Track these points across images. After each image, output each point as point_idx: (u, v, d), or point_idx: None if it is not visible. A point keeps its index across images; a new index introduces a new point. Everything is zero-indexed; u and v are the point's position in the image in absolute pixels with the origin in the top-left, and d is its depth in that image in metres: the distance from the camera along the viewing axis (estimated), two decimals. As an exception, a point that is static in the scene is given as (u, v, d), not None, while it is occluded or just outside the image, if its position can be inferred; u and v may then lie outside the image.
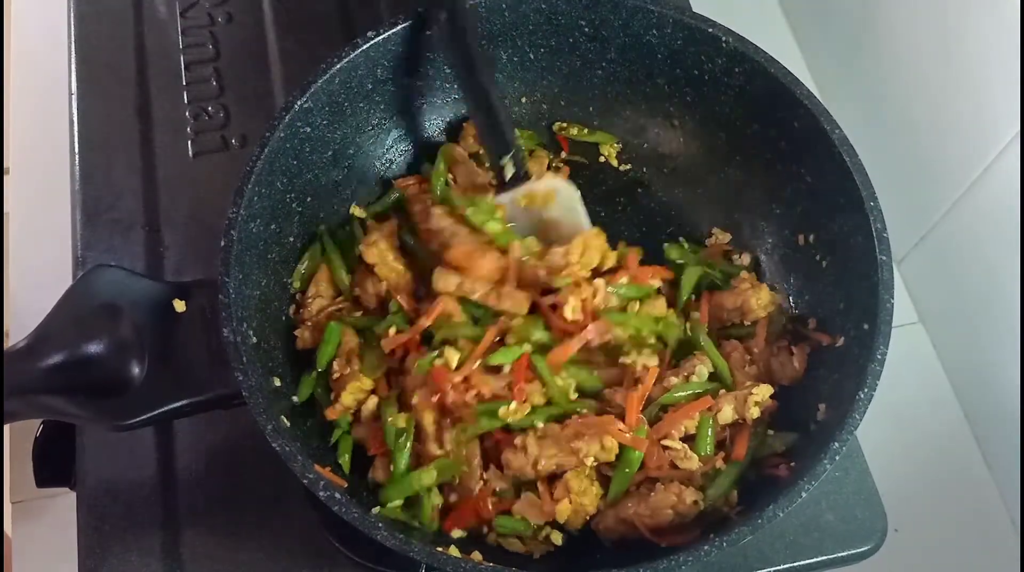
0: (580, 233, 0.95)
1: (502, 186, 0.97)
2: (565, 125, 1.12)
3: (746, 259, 1.05)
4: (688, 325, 0.99)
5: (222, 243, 0.88)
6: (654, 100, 1.08)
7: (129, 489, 1.01)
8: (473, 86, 0.96)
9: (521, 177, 0.97)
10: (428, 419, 0.90)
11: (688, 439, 0.91)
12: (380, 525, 0.80)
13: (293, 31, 1.28)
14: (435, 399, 0.90)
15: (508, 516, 0.90)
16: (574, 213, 0.99)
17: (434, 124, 1.10)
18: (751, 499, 0.89)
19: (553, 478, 0.90)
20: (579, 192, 0.99)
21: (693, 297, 1.01)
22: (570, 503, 0.89)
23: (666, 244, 1.05)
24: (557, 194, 0.98)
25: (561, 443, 0.88)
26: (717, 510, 0.90)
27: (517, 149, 0.96)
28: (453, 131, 1.11)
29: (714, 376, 0.95)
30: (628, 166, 1.12)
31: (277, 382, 0.91)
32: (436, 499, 0.91)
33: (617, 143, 1.11)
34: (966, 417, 1.17)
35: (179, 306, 0.91)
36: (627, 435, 0.88)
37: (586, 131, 1.11)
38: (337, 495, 0.80)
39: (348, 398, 0.92)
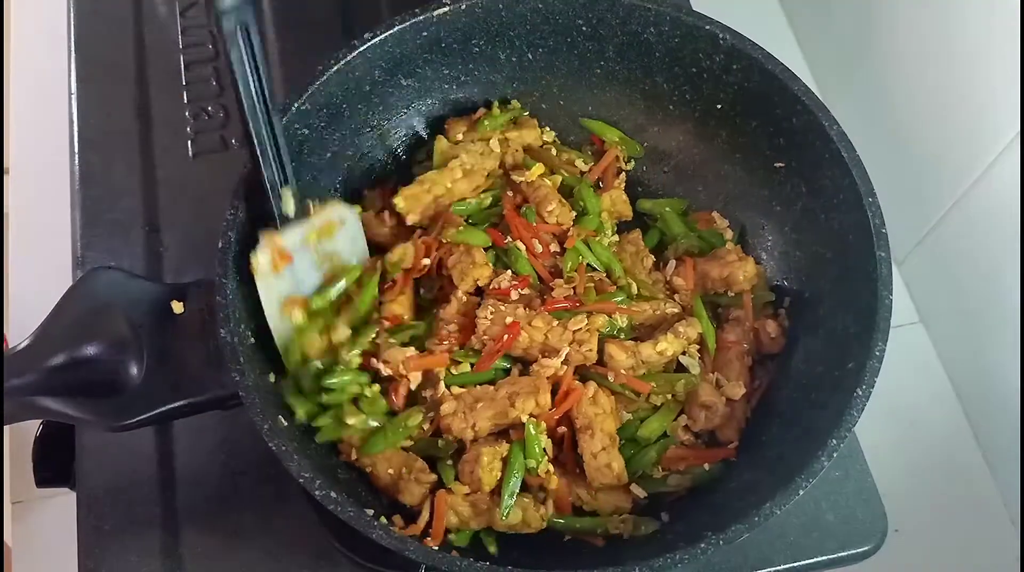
0: (362, 260, 0.96)
1: (283, 223, 0.90)
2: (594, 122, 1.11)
3: (729, 233, 1.06)
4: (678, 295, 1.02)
5: (220, 244, 0.88)
6: (652, 98, 1.08)
7: (129, 489, 1.01)
8: (263, 114, 0.83)
9: (303, 211, 0.91)
10: None
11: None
12: (377, 525, 0.80)
13: (293, 31, 1.29)
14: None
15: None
16: (357, 241, 0.97)
17: (432, 125, 1.10)
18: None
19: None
20: (357, 217, 0.96)
21: (675, 262, 1.04)
22: (471, 472, 0.90)
23: (639, 200, 1.09)
24: (344, 222, 0.94)
25: (496, 404, 0.90)
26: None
27: (295, 182, 0.89)
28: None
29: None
30: (628, 165, 1.11)
31: (273, 380, 0.91)
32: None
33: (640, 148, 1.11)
34: (966, 417, 1.16)
35: (177, 307, 0.91)
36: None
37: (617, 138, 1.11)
38: (333, 494, 0.80)
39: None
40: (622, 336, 0.98)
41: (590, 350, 0.94)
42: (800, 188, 1.00)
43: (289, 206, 0.89)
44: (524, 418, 0.90)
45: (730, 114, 1.03)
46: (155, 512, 1.00)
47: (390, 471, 0.92)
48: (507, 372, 0.95)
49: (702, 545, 0.80)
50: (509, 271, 0.98)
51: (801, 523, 1.00)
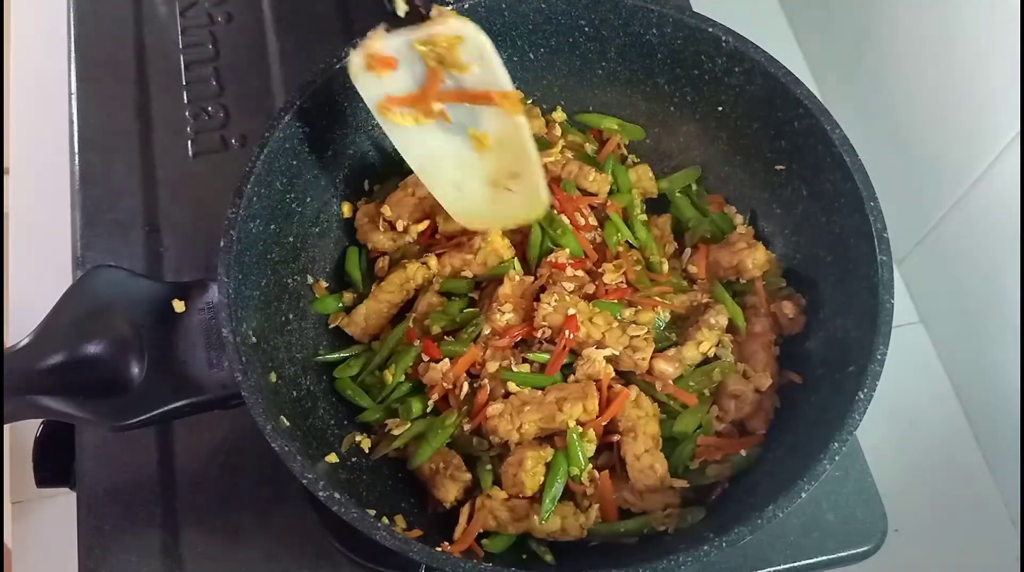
0: (494, 89, 0.85)
1: (395, 23, 0.83)
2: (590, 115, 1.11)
3: (739, 218, 1.06)
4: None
5: (221, 243, 0.88)
6: (654, 100, 1.08)
7: (129, 489, 1.01)
8: None
9: (417, 15, 0.82)
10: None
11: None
12: (380, 525, 0.80)
13: (293, 31, 1.28)
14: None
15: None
16: (487, 65, 0.84)
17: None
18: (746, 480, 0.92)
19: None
20: (490, 41, 0.84)
21: (690, 250, 1.05)
22: (514, 475, 0.90)
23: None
24: (464, 41, 0.83)
25: (543, 408, 0.90)
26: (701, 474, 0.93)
27: None
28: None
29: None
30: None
31: (275, 380, 0.91)
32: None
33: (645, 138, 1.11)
34: (966, 417, 1.17)
35: (179, 306, 0.91)
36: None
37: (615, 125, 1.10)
38: (337, 495, 0.80)
39: None
40: (662, 326, 0.98)
41: (643, 358, 0.93)
42: (801, 191, 1.00)
43: (400, 6, 0.82)
44: (571, 424, 0.90)
45: (731, 116, 1.04)
46: (155, 512, 1.00)
47: (431, 465, 0.93)
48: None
49: (704, 547, 0.80)
50: (567, 250, 0.99)
51: (801, 523, 1.00)
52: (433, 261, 0.99)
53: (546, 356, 0.94)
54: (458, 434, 0.94)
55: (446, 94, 0.85)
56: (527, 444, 0.91)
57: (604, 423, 0.92)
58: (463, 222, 0.97)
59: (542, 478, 0.90)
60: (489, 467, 0.93)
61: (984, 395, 1.14)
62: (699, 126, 1.07)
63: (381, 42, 0.83)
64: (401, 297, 0.99)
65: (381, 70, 0.84)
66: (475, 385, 0.95)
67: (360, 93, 0.87)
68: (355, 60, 0.85)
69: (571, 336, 0.93)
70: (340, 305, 1.01)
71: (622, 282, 0.99)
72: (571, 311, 0.93)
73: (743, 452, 0.93)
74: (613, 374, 0.94)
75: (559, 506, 0.90)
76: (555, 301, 0.93)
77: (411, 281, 0.99)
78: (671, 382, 0.95)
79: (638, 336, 0.94)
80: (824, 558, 0.99)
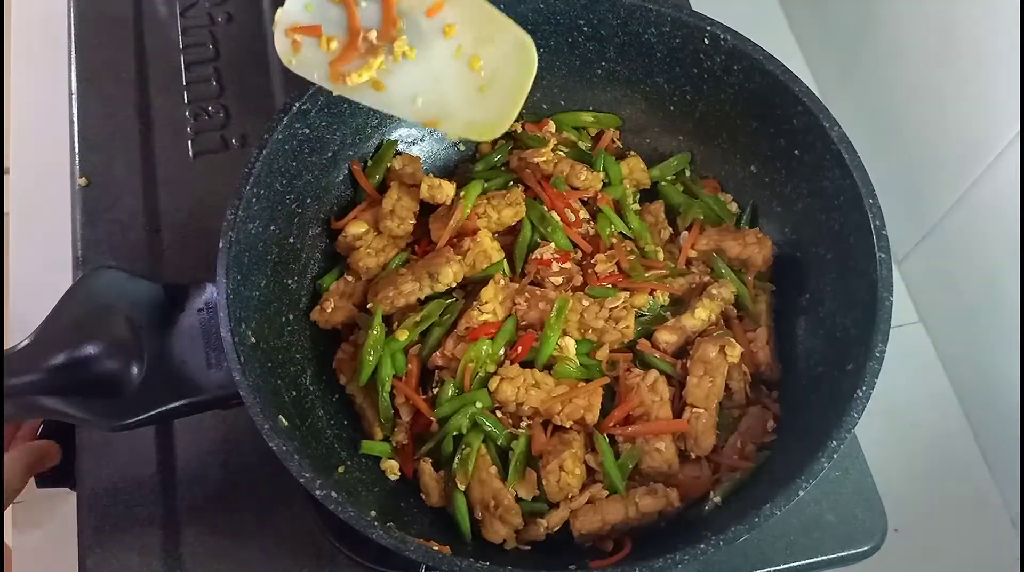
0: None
1: None
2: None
3: (735, 206, 1.07)
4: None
5: (220, 244, 0.88)
6: (653, 99, 1.08)
7: (129, 489, 1.01)
8: None
9: None
10: None
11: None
12: (376, 525, 0.80)
13: (293, 31, 1.28)
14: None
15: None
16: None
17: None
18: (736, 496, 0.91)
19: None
20: None
21: (686, 233, 1.05)
22: (558, 481, 0.90)
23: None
24: None
25: (549, 399, 0.91)
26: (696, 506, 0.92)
27: None
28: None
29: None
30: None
31: (274, 380, 0.91)
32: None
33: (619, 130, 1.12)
34: (966, 417, 1.16)
35: (178, 307, 0.91)
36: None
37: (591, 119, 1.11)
38: (334, 494, 0.80)
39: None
40: (660, 309, 0.99)
41: (627, 327, 0.95)
42: (801, 189, 1.00)
43: None
44: (567, 424, 0.91)
45: (731, 115, 1.04)
46: (155, 512, 1.00)
47: (481, 500, 0.91)
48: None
49: (701, 546, 0.80)
50: (552, 244, 1.00)
51: (801, 523, 1.00)
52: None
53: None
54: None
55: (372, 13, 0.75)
56: (554, 450, 0.91)
57: (611, 423, 0.93)
58: (488, 134, 0.83)
59: (580, 472, 0.91)
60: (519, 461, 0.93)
61: (984, 395, 1.13)
62: (698, 124, 1.07)
63: (288, 9, 0.75)
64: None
65: (308, 40, 0.76)
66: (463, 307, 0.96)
67: (308, 79, 0.79)
68: (281, 45, 0.77)
69: (521, 349, 0.94)
70: None
71: (614, 271, 0.99)
72: (542, 305, 0.94)
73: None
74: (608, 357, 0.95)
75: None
76: (527, 298, 0.95)
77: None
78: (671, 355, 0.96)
79: (616, 306, 0.95)
80: (824, 558, 0.99)
